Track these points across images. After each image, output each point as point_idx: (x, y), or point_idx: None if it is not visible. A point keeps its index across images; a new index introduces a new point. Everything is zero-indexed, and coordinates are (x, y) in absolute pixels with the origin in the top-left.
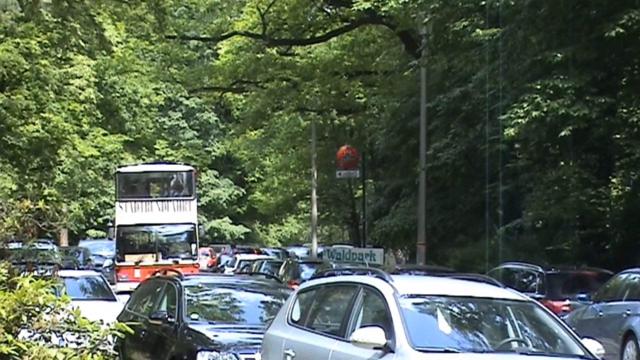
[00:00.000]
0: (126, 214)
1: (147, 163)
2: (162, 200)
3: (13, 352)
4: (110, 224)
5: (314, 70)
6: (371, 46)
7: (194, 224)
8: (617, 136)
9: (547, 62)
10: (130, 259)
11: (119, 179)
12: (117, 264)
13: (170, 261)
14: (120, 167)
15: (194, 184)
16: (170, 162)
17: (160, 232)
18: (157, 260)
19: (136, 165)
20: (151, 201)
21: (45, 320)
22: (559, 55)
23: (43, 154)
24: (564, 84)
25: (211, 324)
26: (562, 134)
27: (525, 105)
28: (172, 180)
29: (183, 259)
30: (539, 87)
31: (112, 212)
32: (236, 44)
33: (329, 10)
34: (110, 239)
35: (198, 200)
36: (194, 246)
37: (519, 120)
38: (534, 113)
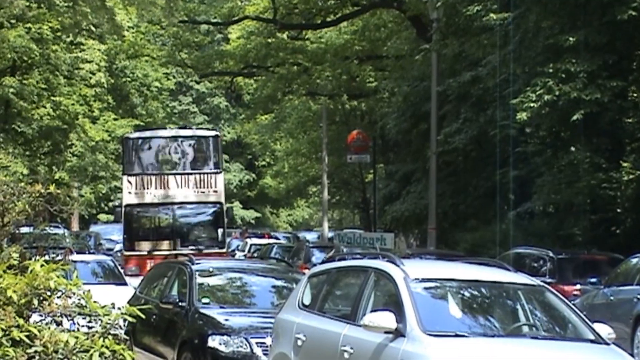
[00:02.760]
0: (136, 190)
1: (161, 127)
2: (181, 174)
3: (24, 336)
4: (117, 204)
5: (325, 55)
6: (382, 31)
7: (221, 204)
8: (629, 120)
9: (558, 45)
10: (141, 247)
11: (127, 147)
12: (125, 252)
13: (191, 249)
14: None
15: (220, 152)
16: (189, 127)
17: (178, 214)
18: (174, 248)
19: (148, 130)
20: (167, 175)
21: (56, 304)
22: (570, 39)
23: (54, 138)
24: (576, 67)
25: (222, 308)
26: (574, 118)
27: (537, 89)
28: (193, 148)
29: (207, 246)
30: (550, 70)
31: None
32: (247, 29)
33: None
34: (118, 222)
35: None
36: (220, 231)
37: (531, 105)
38: (546, 97)
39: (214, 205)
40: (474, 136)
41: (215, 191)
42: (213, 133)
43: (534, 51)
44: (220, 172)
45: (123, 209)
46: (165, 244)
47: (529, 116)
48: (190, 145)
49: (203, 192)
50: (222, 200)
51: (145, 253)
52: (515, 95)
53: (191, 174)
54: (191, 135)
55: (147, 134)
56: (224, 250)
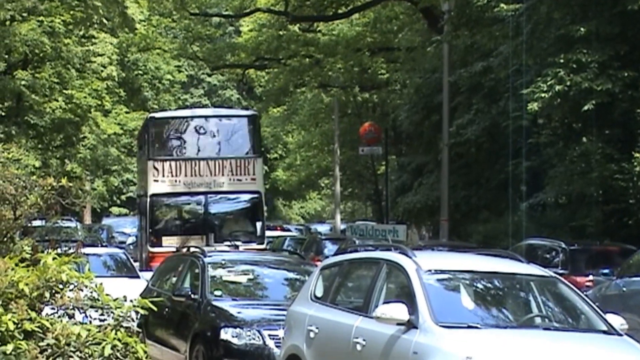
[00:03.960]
0: (163, 178)
1: (191, 106)
2: (214, 159)
3: (37, 328)
4: (140, 193)
5: (337, 47)
6: (393, 22)
7: (260, 193)
8: None
9: (570, 36)
10: (170, 243)
11: (153, 129)
12: (151, 249)
13: (225, 246)
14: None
15: (258, 134)
16: (223, 106)
17: (211, 205)
18: (206, 244)
19: (176, 109)
20: (198, 160)
21: (68, 297)
22: (582, 29)
23: (66, 131)
24: (587, 58)
25: (234, 300)
26: (585, 108)
27: (548, 79)
28: (228, 129)
29: (244, 242)
30: (562, 61)
31: (134, 189)
32: (258, 21)
33: None
34: (140, 214)
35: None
36: (259, 224)
37: (543, 95)
38: (557, 87)
39: (251, 195)
40: (486, 127)
41: (254, 178)
42: (250, 112)
43: (545, 42)
44: (259, 157)
45: (148, 200)
46: (196, 240)
47: (540, 106)
48: (224, 126)
49: (239, 180)
50: (261, 188)
51: (174, 250)
52: (527, 86)
53: (226, 158)
54: (226, 114)
55: (176, 113)
56: (263, 246)
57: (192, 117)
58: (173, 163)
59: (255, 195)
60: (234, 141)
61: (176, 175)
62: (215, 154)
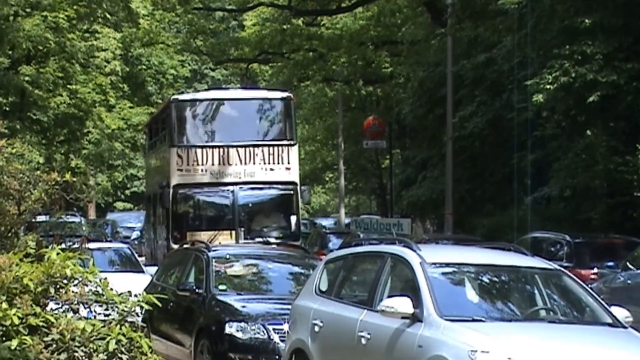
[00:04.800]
0: (187, 167)
1: (219, 87)
2: (244, 146)
3: (41, 323)
4: (162, 182)
5: (340, 41)
6: (397, 16)
7: (295, 184)
8: None
9: (574, 28)
10: (195, 239)
11: (176, 112)
12: (174, 246)
13: (257, 242)
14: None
15: (293, 119)
16: (255, 87)
17: (241, 197)
18: (236, 241)
19: (201, 91)
20: (227, 147)
21: (73, 292)
22: (586, 21)
23: (70, 126)
24: (592, 49)
25: (239, 295)
26: (590, 99)
27: (553, 71)
28: (260, 112)
29: (277, 238)
30: (567, 53)
31: (138, 184)
32: (262, 15)
33: None
34: (152, 208)
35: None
36: (294, 219)
37: (548, 87)
38: (562, 79)
39: (286, 186)
40: (490, 120)
41: (288, 168)
42: (285, 94)
43: (549, 34)
44: (295, 144)
45: (171, 191)
46: (224, 236)
47: (545, 98)
48: (256, 109)
49: (273, 169)
50: (296, 179)
51: None
52: (531, 78)
53: (258, 145)
54: (258, 96)
55: (202, 95)
56: (299, 242)
57: (220, 100)
58: (199, 150)
59: (290, 187)
60: (267, 126)
61: (202, 164)
62: (245, 141)
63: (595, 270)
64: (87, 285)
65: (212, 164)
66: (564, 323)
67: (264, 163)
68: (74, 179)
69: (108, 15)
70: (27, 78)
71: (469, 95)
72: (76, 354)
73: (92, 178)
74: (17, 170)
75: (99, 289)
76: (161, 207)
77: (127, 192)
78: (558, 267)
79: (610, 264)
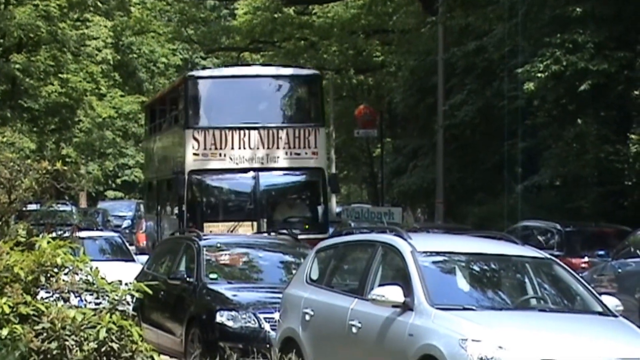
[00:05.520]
0: (205, 152)
1: (238, 64)
2: (267, 128)
3: (32, 312)
4: (176, 168)
5: (332, 30)
6: (388, 5)
7: (322, 170)
8: (636, 92)
9: (565, 17)
10: (212, 230)
11: (192, 91)
12: None
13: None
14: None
15: (322, 100)
16: (279, 64)
17: (264, 184)
18: (258, 232)
19: (219, 68)
20: (248, 129)
21: (63, 281)
22: (577, 10)
23: (61, 115)
24: (583, 38)
25: (230, 283)
26: (582, 88)
27: (545, 59)
28: (285, 92)
29: (304, 231)
30: (558, 41)
31: (129, 173)
32: (253, 4)
33: None
34: (146, 196)
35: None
36: (321, 209)
37: (539, 75)
38: (553, 67)
39: (313, 173)
40: (480, 109)
41: (315, 152)
42: (312, 71)
43: (540, 23)
44: (322, 126)
45: (186, 177)
46: (245, 227)
47: (536, 86)
48: (280, 87)
49: (298, 154)
50: (324, 165)
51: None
52: (522, 67)
53: (282, 128)
54: (283, 73)
55: (221, 71)
56: (326, 235)
57: (242, 77)
58: (217, 133)
59: (317, 173)
60: (292, 106)
61: (221, 148)
62: (268, 122)
63: (586, 259)
64: (77, 274)
65: (232, 148)
66: (554, 312)
67: (289, 147)
68: (65, 168)
69: (99, 4)
70: (18, 66)
71: (459, 83)
72: (67, 343)
73: (83, 167)
74: (7, 158)
75: (89, 277)
76: (173, 196)
77: (118, 180)
78: (549, 256)
79: (601, 252)
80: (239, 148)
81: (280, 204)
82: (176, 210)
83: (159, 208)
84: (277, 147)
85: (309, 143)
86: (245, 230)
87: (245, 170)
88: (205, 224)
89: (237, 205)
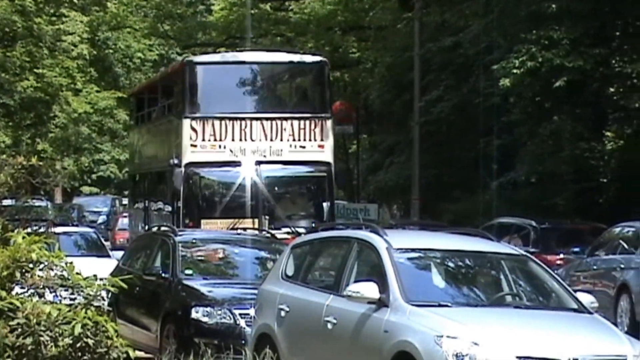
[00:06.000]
0: (203, 143)
1: (240, 49)
2: (270, 118)
3: (7, 307)
4: (172, 161)
5: (308, 26)
6: (364, 1)
7: (329, 165)
8: (612, 89)
9: (541, 13)
10: (211, 227)
11: (191, 77)
12: None
13: (284, 232)
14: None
15: (329, 88)
16: (282, 50)
17: (266, 179)
18: (259, 230)
19: (219, 53)
20: (250, 119)
21: (38, 276)
22: (553, 6)
23: (37, 110)
24: (559, 34)
25: (205, 279)
26: (557, 84)
27: (520, 55)
28: (289, 79)
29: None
30: (533, 37)
31: (105, 169)
32: (229, 0)
33: None
34: (129, 192)
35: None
36: (326, 205)
37: (515, 71)
38: (529, 64)
39: (319, 167)
40: (456, 105)
41: (322, 145)
42: (319, 58)
43: (516, 19)
44: (329, 118)
45: (183, 171)
46: (245, 224)
47: (512, 82)
48: (285, 75)
49: (303, 147)
50: (331, 159)
51: None
52: (498, 63)
53: (286, 118)
54: (287, 60)
55: (221, 57)
56: None
57: (244, 63)
58: (217, 123)
59: (323, 168)
60: (297, 96)
61: (221, 139)
62: (272, 112)
63: (561, 255)
64: (53, 270)
65: (232, 139)
66: (529, 308)
67: (294, 139)
68: (41, 163)
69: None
70: None
71: (436, 80)
72: (42, 338)
73: (58, 162)
74: None
75: (64, 273)
76: (166, 190)
77: (94, 176)
78: (524, 253)
79: (577, 249)
80: (240, 140)
81: (283, 200)
82: (168, 206)
83: (146, 203)
84: (281, 139)
85: (315, 135)
86: (247, 225)
87: (246, 164)
88: (203, 221)
89: (237, 201)
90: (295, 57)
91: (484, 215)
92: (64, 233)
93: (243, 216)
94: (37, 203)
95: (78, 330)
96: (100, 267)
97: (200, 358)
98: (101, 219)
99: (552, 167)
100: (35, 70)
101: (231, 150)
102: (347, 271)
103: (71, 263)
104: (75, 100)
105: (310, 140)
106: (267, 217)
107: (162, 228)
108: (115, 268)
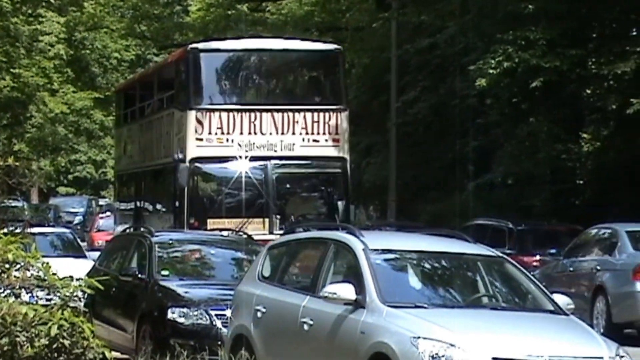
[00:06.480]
0: (210, 137)
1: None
2: (281, 110)
3: None
4: (176, 156)
5: (285, 27)
6: (342, 2)
7: (345, 160)
8: (588, 91)
9: (518, 13)
10: (217, 226)
11: (195, 65)
12: None
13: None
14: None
15: (344, 78)
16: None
17: (277, 176)
18: (270, 232)
19: (225, 40)
20: (260, 111)
21: (14, 276)
22: (530, 6)
23: (13, 110)
24: (535, 35)
25: (181, 280)
26: (534, 84)
27: (497, 55)
28: (302, 68)
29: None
30: (510, 37)
31: (81, 169)
32: (207, 0)
33: None
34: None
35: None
36: (341, 205)
37: (491, 71)
38: (506, 64)
39: (334, 163)
40: (433, 106)
41: (337, 140)
42: (333, 46)
43: (492, 19)
44: (345, 110)
45: (188, 166)
46: (255, 224)
47: (489, 82)
48: (297, 64)
49: (317, 141)
50: (346, 154)
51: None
52: (474, 64)
53: (299, 110)
54: (299, 48)
55: (229, 44)
56: None
57: (253, 51)
58: (224, 115)
59: (339, 164)
60: (311, 86)
61: (228, 133)
62: (283, 103)
63: (538, 257)
64: (29, 270)
65: (241, 133)
66: (506, 310)
67: (306, 133)
68: (17, 163)
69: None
70: None
71: (413, 81)
72: (18, 339)
73: (35, 162)
74: None
75: (41, 273)
76: (165, 188)
77: (70, 177)
78: (500, 254)
79: (553, 251)
80: (249, 133)
81: (295, 198)
82: (166, 206)
83: (138, 203)
84: (293, 133)
85: (330, 128)
86: (256, 227)
87: (256, 159)
88: (209, 220)
89: (247, 200)
90: (308, 45)
91: (460, 217)
92: (40, 233)
93: (252, 215)
94: (14, 203)
95: (54, 331)
96: (77, 268)
97: (176, 359)
98: (77, 219)
99: (528, 169)
100: (11, 70)
101: (239, 145)
102: (323, 272)
103: (47, 264)
104: (52, 100)
105: (324, 133)
106: (278, 216)
107: (141, 229)
108: (92, 269)
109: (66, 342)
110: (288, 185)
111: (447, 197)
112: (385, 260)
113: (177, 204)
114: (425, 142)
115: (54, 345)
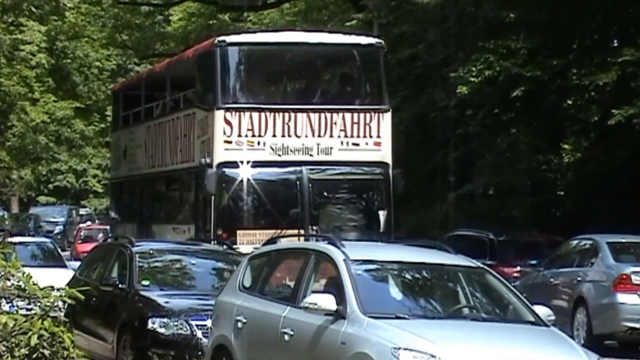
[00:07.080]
0: (239, 139)
1: (284, 28)
2: (318, 110)
3: None
4: (203, 160)
5: None
6: (323, 12)
7: (387, 166)
8: (569, 102)
9: (498, 22)
10: (248, 239)
11: (222, 60)
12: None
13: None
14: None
15: (386, 76)
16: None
17: (313, 182)
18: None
19: (255, 32)
20: (294, 111)
21: None
22: (511, 15)
23: None
24: (517, 44)
25: (162, 290)
26: (515, 94)
27: (478, 64)
28: (341, 66)
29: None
30: (491, 46)
31: (62, 178)
32: (188, 10)
33: None
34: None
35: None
36: (383, 215)
37: (472, 79)
38: (487, 72)
39: (375, 169)
40: (414, 116)
41: (378, 143)
42: (375, 40)
43: (473, 28)
44: (388, 110)
45: (215, 172)
46: (289, 234)
47: (470, 91)
48: (335, 59)
49: (356, 144)
50: (389, 159)
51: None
52: (455, 72)
53: (337, 110)
54: (338, 42)
55: (260, 37)
56: None
57: (286, 44)
58: (255, 115)
59: (380, 170)
60: (350, 84)
61: (260, 135)
62: (320, 103)
63: (518, 268)
64: (9, 280)
65: (274, 135)
66: (486, 321)
67: (345, 135)
68: None
69: (34, 9)
70: None
71: (394, 91)
72: None
73: (15, 172)
74: None
75: (21, 283)
76: (193, 196)
77: (51, 186)
78: (481, 265)
79: (534, 262)
80: (283, 136)
81: (333, 207)
82: (181, 216)
83: (143, 213)
84: (331, 136)
85: (371, 131)
86: (291, 239)
87: (290, 164)
88: (238, 232)
89: (280, 209)
90: (348, 38)
91: (441, 227)
92: (21, 243)
93: (286, 226)
94: None
95: (34, 340)
96: (57, 278)
97: None
98: (58, 229)
99: (509, 180)
100: None
101: (272, 149)
102: (304, 283)
103: (28, 273)
104: (33, 109)
105: (364, 136)
106: (314, 227)
107: (121, 239)
108: (72, 278)
109: (46, 352)
110: (325, 193)
111: (428, 207)
112: (366, 270)
113: (200, 213)
114: (406, 152)
115: (34, 355)
